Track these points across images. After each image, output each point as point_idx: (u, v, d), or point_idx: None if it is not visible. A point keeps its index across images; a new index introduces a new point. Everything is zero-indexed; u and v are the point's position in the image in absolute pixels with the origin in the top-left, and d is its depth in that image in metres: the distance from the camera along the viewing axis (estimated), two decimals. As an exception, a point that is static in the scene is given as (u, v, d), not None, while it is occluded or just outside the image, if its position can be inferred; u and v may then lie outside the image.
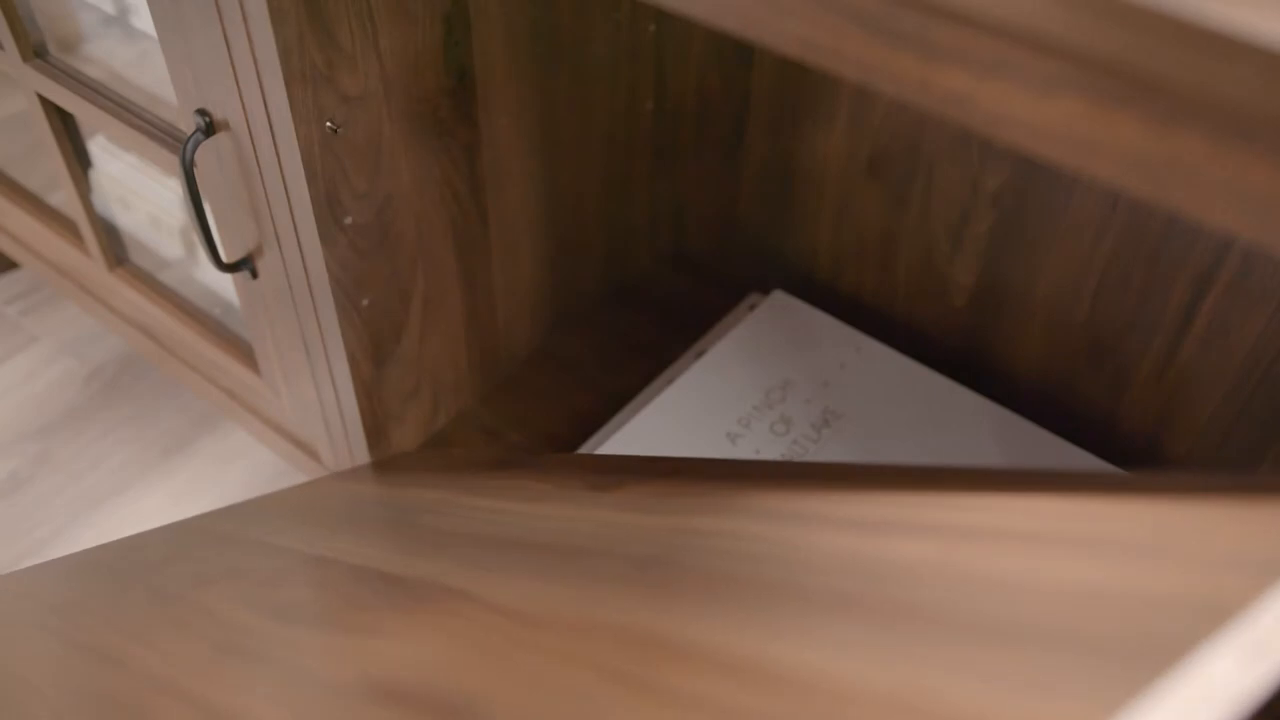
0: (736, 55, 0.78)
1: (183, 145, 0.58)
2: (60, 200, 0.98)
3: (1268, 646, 0.21)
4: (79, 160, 0.88)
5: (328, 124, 0.54)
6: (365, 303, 0.62)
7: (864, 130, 0.74)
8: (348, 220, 0.58)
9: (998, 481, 0.35)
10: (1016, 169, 0.66)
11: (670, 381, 0.74)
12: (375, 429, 0.70)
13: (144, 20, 0.71)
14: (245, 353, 0.86)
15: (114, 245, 0.94)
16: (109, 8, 0.74)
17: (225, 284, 0.86)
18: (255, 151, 0.56)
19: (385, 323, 0.65)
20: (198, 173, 0.59)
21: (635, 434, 0.69)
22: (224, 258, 0.64)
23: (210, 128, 0.58)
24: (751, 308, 0.80)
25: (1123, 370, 0.69)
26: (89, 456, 1.04)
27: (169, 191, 0.87)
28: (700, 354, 0.76)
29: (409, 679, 0.33)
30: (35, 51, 0.77)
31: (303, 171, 0.54)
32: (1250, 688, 0.20)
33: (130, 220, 0.93)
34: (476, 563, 0.41)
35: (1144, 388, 0.69)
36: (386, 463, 0.70)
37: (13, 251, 1.06)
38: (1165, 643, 0.22)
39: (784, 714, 0.24)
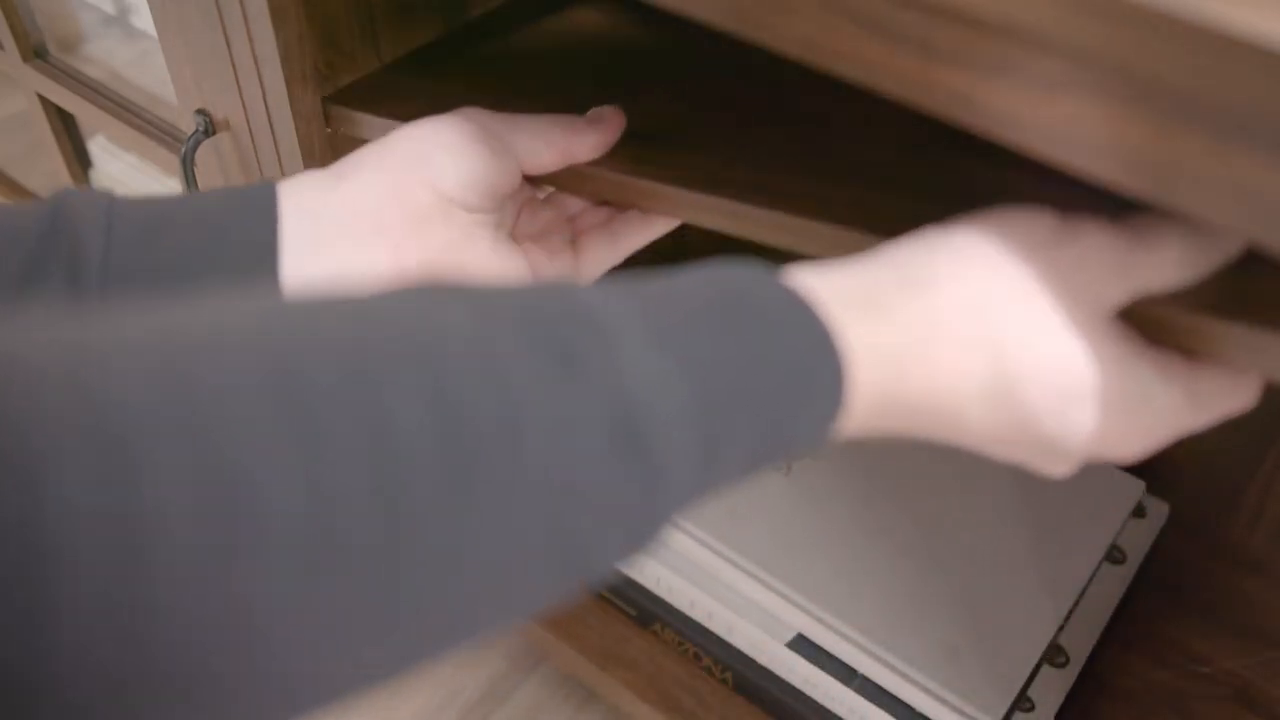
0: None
1: (183, 145, 0.58)
2: (60, 200, 0.97)
3: None
4: (79, 160, 0.88)
5: (328, 124, 0.54)
6: (365, 302, 0.62)
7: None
8: (348, 220, 0.58)
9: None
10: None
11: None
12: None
13: (144, 20, 0.71)
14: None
15: (114, 245, 0.94)
16: (109, 8, 0.74)
17: (225, 284, 0.86)
18: (255, 151, 0.56)
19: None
20: (198, 173, 0.59)
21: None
22: (224, 258, 0.64)
23: (210, 128, 0.58)
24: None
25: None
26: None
27: (169, 191, 0.87)
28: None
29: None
30: (35, 51, 0.76)
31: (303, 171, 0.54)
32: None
33: (130, 220, 0.93)
34: None
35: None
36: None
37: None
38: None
39: None
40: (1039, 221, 0.33)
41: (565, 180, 0.46)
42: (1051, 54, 0.26)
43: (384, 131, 0.50)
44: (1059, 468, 0.33)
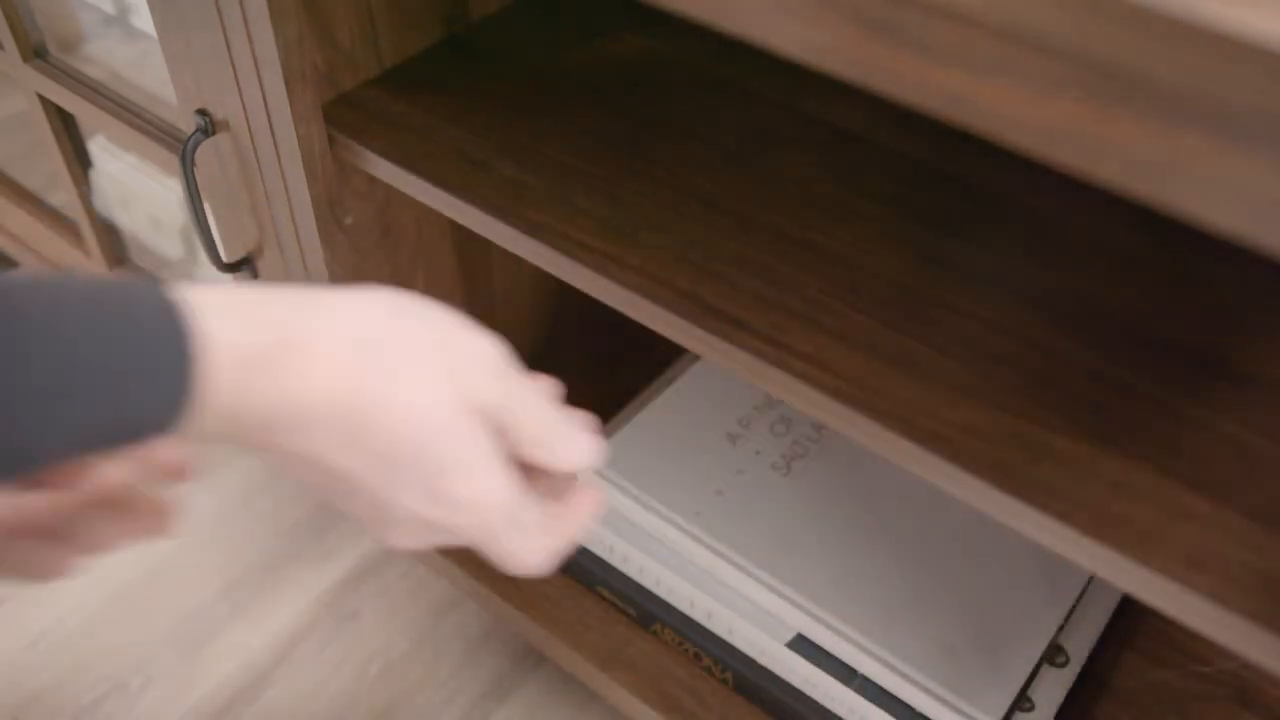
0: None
1: (183, 145, 0.58)
2: (60, 200, 0.97)
3: None
4: (79, 160, 0.88)
5: (327, 124, 0.54)
6: (365, 303, 0.62)
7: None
8: (348, 220, 0.58)
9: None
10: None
11: (670, 382, 0.74)
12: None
13: (144, 20, 0.71)
14: (245, 353, 0.86)
15: (114, 245, 0.94)
16: (109, 8, 0.74)
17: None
18: (255, 151, 0.56)
19: (385, 323, 0.65)
20: (198, 173, 0.59)
21: (635, 434, 0.69)
22: (224, 257, 0.64)
23: (210, 128, 0.58)
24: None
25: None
26: (89, 456, 1.03)
27: (169, 191, 0.87)
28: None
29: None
30: (35, 51, 0.76)
31: (303, 171, 0.54)
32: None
33: (130, 220, 0.93)
34: None
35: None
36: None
37: (13, 251, 1.06)
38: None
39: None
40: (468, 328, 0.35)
41: None
42: (1050, 54, 0.26)
43: (386, 172, 0.53)
44: (398, 535, 0.34)
